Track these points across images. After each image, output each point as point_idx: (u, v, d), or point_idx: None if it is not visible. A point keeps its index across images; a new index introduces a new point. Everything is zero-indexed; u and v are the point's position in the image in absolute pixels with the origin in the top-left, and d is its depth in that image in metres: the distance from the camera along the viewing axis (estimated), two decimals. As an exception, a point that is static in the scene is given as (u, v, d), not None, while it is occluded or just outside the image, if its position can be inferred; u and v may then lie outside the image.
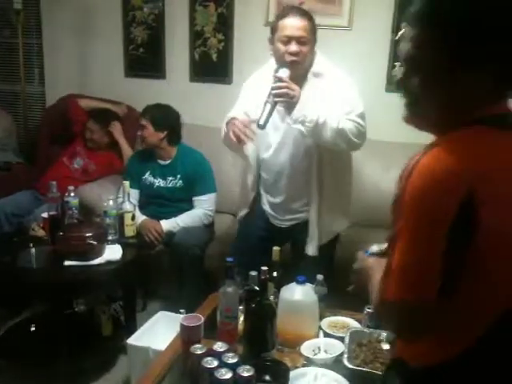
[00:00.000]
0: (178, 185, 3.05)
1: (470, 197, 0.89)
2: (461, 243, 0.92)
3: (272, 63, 2.29)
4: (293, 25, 2.17)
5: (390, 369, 1.18)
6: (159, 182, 3.08)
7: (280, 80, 2.11)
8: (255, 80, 2.42)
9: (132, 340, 2.28)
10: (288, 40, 2.17)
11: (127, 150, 3.53)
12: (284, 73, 2.13)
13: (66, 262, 2.41)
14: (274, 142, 2.33)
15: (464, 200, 0.89)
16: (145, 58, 3.85)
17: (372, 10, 3.37)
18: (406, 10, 1.04)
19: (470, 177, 0.90)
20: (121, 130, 3.57)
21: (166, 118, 3.08)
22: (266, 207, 2.48)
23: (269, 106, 2.10)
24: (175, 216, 2.99)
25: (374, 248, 1.26)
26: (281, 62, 2.19)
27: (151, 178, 3.09)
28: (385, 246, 1.18)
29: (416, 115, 1.06)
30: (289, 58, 2.17)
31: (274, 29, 2.23)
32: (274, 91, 2.09)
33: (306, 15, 2.23)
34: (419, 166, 0.93)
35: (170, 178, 3.06)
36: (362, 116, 2.22)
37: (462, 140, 0.96)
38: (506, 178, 0.93)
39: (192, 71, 3.78)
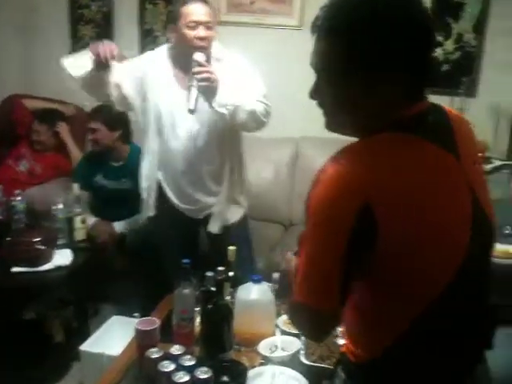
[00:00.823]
0: (131, 186, 2.98)
1: (366, 206, 0.90)
2: (362, 250, 0.94)
3: (164, 48, 2.39)
4: (199, 10, 2.23)
5: (338, 364, 1.21)
6: (111, 184, 3.01)
7: (199, 64, 2.15)
8: (150, 60, 2.42)
9: (85, 346, 2.23)
10: (195, 25, 2.21)
11: (75, 152, 3.45)
12: (201, 57, 2.18)
13: (14, 269, 2.33)
14: (186, 130, 2.35)
15: (361, 210, 0.91)
16: (93, 57, 3.76)
17: (322, 9, 3.40)
18: (314, 25, 1.07)
19: (365, 187, 0.92)
20: (68, 130, 3.48)
21: (118, 116, 3.01)
22: (177, 201, 2.47)
23: (195, 90, 2.13)
24: (128, 218, 2.93)
25: None
26: (189, 48, 2.22)
27: (103, 180, 3.02)
28: None
29: (334, 124, 1.09)
30: (198, 43, 2.22)
31: (176, 16, 2.26)
32: (197, 76, 2.12)
33: (207, 1, 2.29)
34: (322, 177, 0.96)
35: (123, 180, 3.00)
36: (266, 96, 2.32)
37: (363, 149, 0.99)
38: (399, 184, 0.94)
39: (142, 70, 3.72)
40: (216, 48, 2.35)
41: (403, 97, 0.99)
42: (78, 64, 2.33)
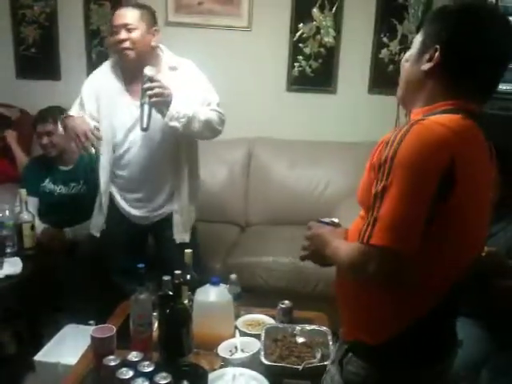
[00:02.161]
0: (82, 190, 2.92)
1: (451, 162, 1.04)
2: (438, 201, 1.05)
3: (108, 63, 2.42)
4: (119, 14, 2.27)
5: (348, 352, 1.24)
6: (61, 189, 2.93)
7: (151, 80, 2.14)
8: (96, 78, 2.46)
9: (39, 356, 2.17)
10: (116, 30, 2.26)
11: (22, 157, 3.33)
12: (150, 71, 2.17)
13: (-40, 280, 2.24)
14: (134, 139, 2.36)
15: (447, 164, 1.04)
16: (37, 59, 3.66)
17: (270, 10, 3.43)
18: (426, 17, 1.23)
19: (452, 146, 1.06)
20: (15, 136, 3.37)
21: None
22: (126, 207, 2.49)
23: (147, 108, 2.13)
24: (80, 223, 2.87)
25: (326, 219, 1.38)
26: (115, 53, 2.27)
27: (51, 185, 2.93)
28: (334, 219, 1.38)
29: (407, 97, 1.24)
30: (119, 46, 2.25)
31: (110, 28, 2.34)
32: (148, 92, 2.11)
33: (138, 6, 2.33)
34: (412, 133, 1.05)
35: (73, 184, 2.92)
36: (218, 104, 2.37)
37: (446, 119, 1.10)
38: (471, 154, 1.11)
39: (90, 71, 3.60)
40: (169, 56, 2.37)
41: (474, 94, 1.16)
42: None
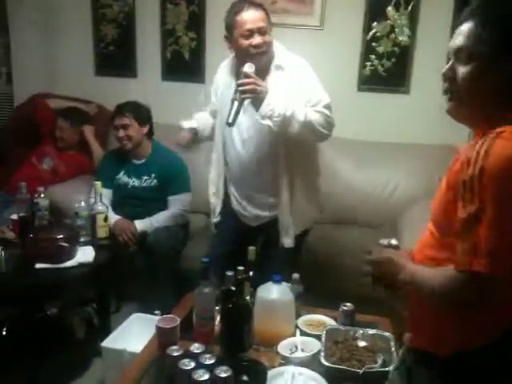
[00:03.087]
0: (152, 184, 3.02)
1: None
2: None
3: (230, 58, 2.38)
4: (251, 18, 2.19)
5: (417, 364, 1.21)
6: (134, 182, 3.04)
7: (246, 76, 2.11)
8: (219, 72, 2.49)
9: (106, 342, 2.25)
10: (250, 34, 2.20)
11: (98, 151, 3.48)
12: (250, 68, 2.14)
13: (37, 265, 2.35)
14: (239, 136, 2.35)
15: None
16: (115, 57, 3.80)
17: (343, 9, 3.39)
18: (466, 10, 1.16)
19: None
20: (92, 130, 3.53)
21: (147, 112, 3.06)
22: (236, 206, 2.48)
23: (236, 104, 2.10)
24: (150, 216, 2.96)
25: (385, 241, 1.38)
26: (246, 57, 2.20)
27: (125, 178, 3.05)
28: (393, 241, 1.37)
29: (461, 107, 1.15)
30: (254, 51, 2.21)
31: (231, 26, 2.25)
32: (240, 88, 2.10)
33: (259, 6, 2.26)
34: (494, 152, 1.00)
35: (145, 178, 3.02)
36: (328, 107, 2.25)
37: None
38: None
39: (164, 70, 3.75)
40: (279, 55, 2.30)
41: None
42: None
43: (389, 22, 3.35)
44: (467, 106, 1.14)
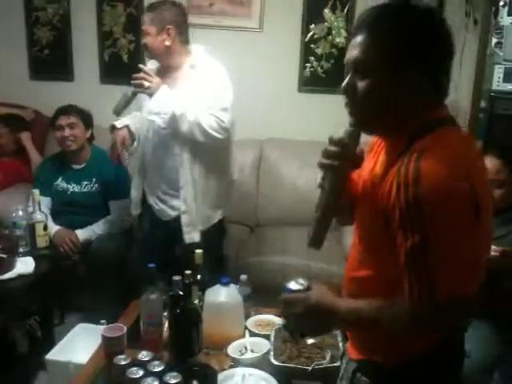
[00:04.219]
0: (94, 189, 2.94)
1: (471, 187, 0.98)
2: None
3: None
4: (144, 21, 2.39)
5: (356, 371, 1.20)
6: (73, 188, 2.95)
7: (140, 70, 2.28)
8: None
9: (51, 355, 2.18)
10: (143, 34, 2.41)
11: (36, 157, 3.37)
12: (152, 64, 2.38)
13: (-26, 278, 2.26)
14: (147, 133, 2.46)
15: (471, 191, 0.98)
16: (51, 60, 3.70)
17: (282, 11, 3.44)
18: (358, 21, 1.12)
19: (467, 172, 0.99)
20: (30, 137, 3.41)
21: (89, 116, 3.02)
22: (149, 200, 2.56)
23: (127, 95, 2.30)
24: (91, 223, 2.89)
25: (297, 286, 1.20)
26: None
27: (64, 184, 2.96)
28: (302, 281, 1.19)
29: (366, 119, 1.11)
30: (144, 50, 2.49)
31: None
32: (132, 81, 2.27)
33: (154, 8, 2.38)
34: (424, 177, 0.96)
35: (86, 183, 2.94)
36: (224, 110, 2.30)
37: (445, 141, 1.03)
38: (478, 166, 1.07)
39: (102, 73, 3.68)
40: (195, 55, 2.41)
41: (435, 98, 1.09)
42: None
43: (326, 24, 3.42)
44: (375, 119, 1.10)
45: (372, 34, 1.06)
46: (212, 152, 2.42)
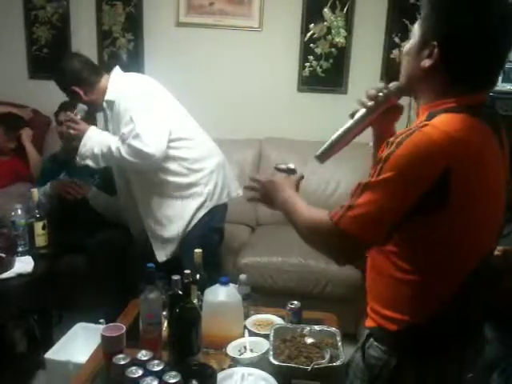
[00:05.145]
0: (95, 183, 2.96)
1: (446, 170, 1.05)
2: (434, 205, 1.07)
3: None
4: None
5: (369, 337, 1.28)
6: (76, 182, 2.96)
7: (67, 119, 2.50)
8: None
9: (50, 354, 2.18)
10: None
11: (35, 156, 3.37)
12: (81, 109, 2.50)
13: (-27, 278, 2.25)
14: None
15: (441, 173, 1.05)
16: (50, 59, 3.68)
17: (281, 11, 3.44)
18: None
19: (449, 156, 1.05)
20: (30, 135, 3.41)
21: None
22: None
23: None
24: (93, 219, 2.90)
25: (283, 166, 1.50)
26: None
27: (67, 179, 2.97)
28: (290, 165, 1.50)
29: (411, 90, 1.26)
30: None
31: None
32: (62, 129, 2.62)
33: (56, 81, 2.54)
34: (412, 138, 1.07)
35: (88, 177, 2.96)
36: (136, 136, 2.32)
37: (448, 123, 1.09)
38: (477, 162, 1.10)
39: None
40: (110, 89, 2.47)
41: (475, 88, 1.14)
42: None
43: (325, 23, 3.42)
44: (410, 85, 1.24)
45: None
46: (151, 177, 2.49)
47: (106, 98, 2.45)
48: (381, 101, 1.33)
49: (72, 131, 2.41)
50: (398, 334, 1.21)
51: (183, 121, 2.55)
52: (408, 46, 1.21)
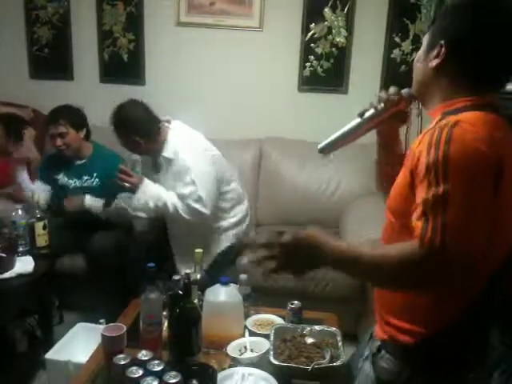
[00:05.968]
0: (94, 184, 2.95)
1: (499, 161, 1.04)
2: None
3: None
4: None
5: (380, 349, 1.27)
6: (75, 183, 2.96)
7: (120, 171, 2.59)
8: None
9: (50, 354, 2.18)
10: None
11: (35, 156, 3.36)
12: (133, 161, 2.77)
13: (-27, 277, 2.26)
14: None
15: (497, 163, 1.03)
16: (51, 59, 3.69)
17: (282, 11, 3.43)
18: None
19: (497, 146, 1.04)
20: (33, 135, 3.41)
21: (81, 115, 2.98)
22: None
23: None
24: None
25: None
26: None
27: (65, 179, 2.97)
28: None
29: (421, 96, 1.26)
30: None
31: None
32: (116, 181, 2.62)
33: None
34: (458, 134, 1.03)
35: (86, 178, 2.95)
36: (198, 200, 2.54)
37: (478, 118, 1.08)
38: (510, 150, 1.08)
39: (102, 72, 3.68)
40: (168, 149, 2.60)
41: (485, 86, 1.17)
42: None
43: (326, 23, 3.42)
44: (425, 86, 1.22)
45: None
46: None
47: (165, 154, 2.59)
48: (391, 104, 1.34)
49: (126, 184, 2.54)
50: (413, 347, 1.19)
51: (226, 176, 2.78)
52: (418, 53, 1.24)
